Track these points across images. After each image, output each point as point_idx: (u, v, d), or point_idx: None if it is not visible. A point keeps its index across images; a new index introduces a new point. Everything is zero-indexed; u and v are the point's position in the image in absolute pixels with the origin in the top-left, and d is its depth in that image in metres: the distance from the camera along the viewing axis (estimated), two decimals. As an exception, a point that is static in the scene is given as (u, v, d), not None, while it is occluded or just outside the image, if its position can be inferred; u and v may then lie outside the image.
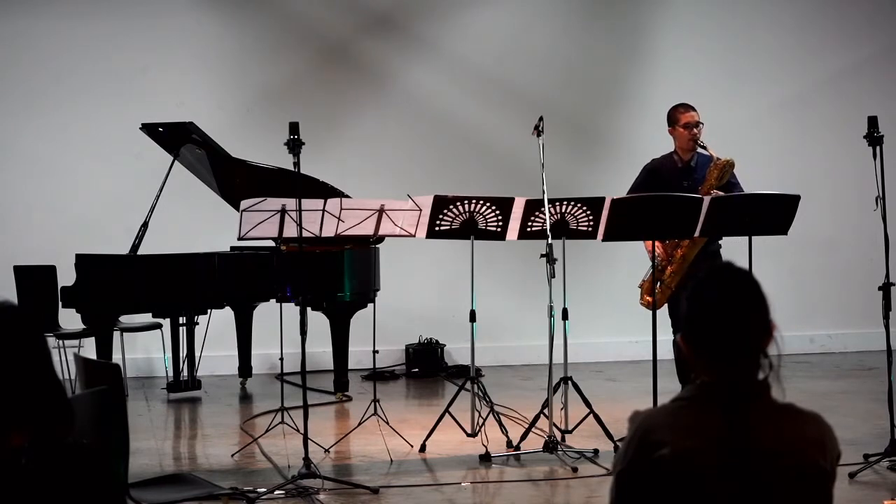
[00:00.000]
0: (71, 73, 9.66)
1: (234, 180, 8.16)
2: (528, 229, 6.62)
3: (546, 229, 6.39)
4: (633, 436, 2.31)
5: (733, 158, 7.01)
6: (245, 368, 9.08)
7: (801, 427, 2.32)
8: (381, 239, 7.90)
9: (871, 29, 10.70)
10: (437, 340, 9.85)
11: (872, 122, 6.21)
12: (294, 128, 5.98)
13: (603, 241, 6.72)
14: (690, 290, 2.38)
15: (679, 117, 7.15)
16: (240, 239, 6.72)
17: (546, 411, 6.44)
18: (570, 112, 10.12)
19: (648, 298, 6.93)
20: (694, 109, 7.14)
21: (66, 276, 7.93)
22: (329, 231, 6.71)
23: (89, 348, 8.12)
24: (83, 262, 7.76)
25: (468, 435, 6.65)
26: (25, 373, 2.18)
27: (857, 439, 6.44)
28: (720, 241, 7.15)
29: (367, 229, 6.78)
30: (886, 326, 5.98)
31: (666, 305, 7.01)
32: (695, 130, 7.08)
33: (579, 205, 6.56)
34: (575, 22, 10.39)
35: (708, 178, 6.98)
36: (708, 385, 2.32)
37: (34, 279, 8.53)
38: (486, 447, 6.42)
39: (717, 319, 2.31)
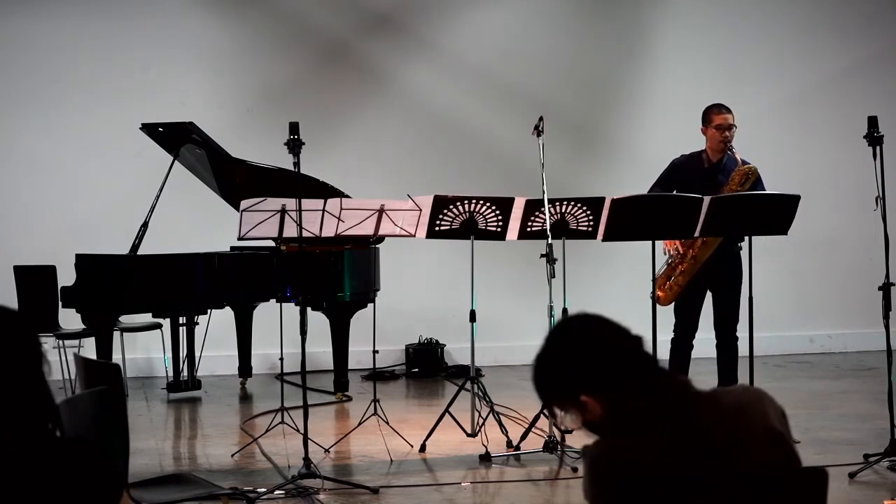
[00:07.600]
0: (71, 73, 9.65)
1: (234, 180, 8.16)
2: (528, 229, 6.62)
3: (546, 229, 6.39)
4: (612, 491, 2.26)
5: (755, 166, 6.97)
6: (245, 368, 9.08)
7: (736, 399, 2.36)
8: (381, 239, 7.90)
9: (871, 29, 10.70)
10: (437, 340, 9.85)
11: (872, 122, 6.20)
12: (294, 128, 5.98)
13: (603, 241, 6.73)
14: (562, 356, 2.37)
15: (712, 118, 7.04)
16: (240, 239, 6.72)
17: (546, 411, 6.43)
18: (570, 112, 10.12)
19: (659, 293, 6.95)
20: (729, 112, 7.02)
21: (66, 276, 7.92)
22: (329, 231, 6.71)
23: (89, 348, 8.11)
24: (83, 262, 7.75)
25: (468, 435, 6.65)
26: (17, 373, 2.18)
27: (857, 439, 6.44)
28: (741, 244, 7.09)
29: (367, 229, 6.77)
30: (886, 326, 5.98)
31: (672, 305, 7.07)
32: (726, 133, 6.96)
33: (579, 205, 6.56)
34: (575, 22, 10.39)
35: (730, 183, 6.94)
36: (643, 411, 2.31)
37: (34, 279, 8.53)
38: (486, 447, 6.42)
39: (598, 353, 2.39)
